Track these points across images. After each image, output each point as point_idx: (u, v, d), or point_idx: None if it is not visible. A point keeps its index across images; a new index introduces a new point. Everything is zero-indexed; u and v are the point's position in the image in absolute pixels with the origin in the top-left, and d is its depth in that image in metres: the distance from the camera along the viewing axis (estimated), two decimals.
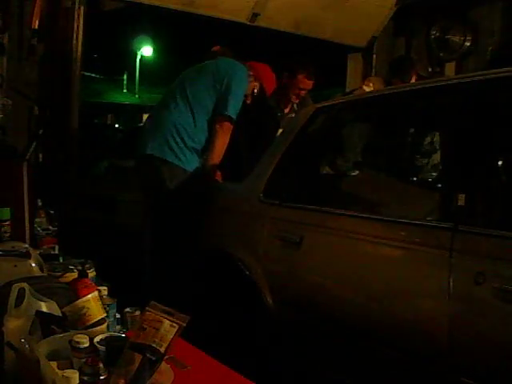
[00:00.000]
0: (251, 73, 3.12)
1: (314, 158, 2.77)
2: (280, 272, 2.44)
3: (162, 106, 3.08)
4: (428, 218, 2.06)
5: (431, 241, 1.86)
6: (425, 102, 2.35)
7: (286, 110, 3.70)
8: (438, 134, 3.38)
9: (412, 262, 1.95)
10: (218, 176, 3.05)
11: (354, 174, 3.24)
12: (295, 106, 3.71)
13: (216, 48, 3.28)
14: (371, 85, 3.85)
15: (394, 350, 1.92)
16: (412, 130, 3.52)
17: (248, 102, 3.15)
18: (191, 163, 2.94)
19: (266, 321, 2.43)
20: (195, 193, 2.94)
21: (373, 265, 2.07)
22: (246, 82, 3.07)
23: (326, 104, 2.74)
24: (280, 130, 3.50)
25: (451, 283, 1.73)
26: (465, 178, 1.94)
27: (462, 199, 1.83)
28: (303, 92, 3.60)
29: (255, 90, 3.18)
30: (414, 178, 3.39)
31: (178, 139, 2.91)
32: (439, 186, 2.54)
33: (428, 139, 3.45)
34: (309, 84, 3.57)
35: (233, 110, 2.95)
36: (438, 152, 3.38)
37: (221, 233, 2.79)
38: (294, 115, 3.61)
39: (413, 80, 3.56)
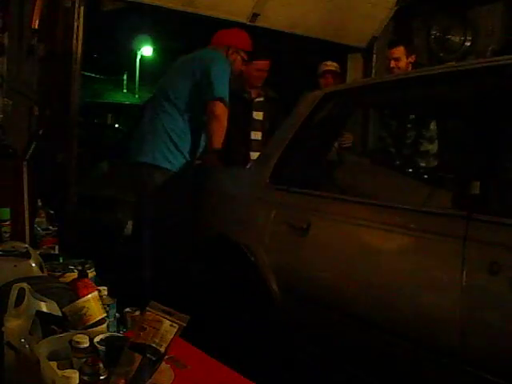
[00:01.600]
0: (225, 52, 3.06)
1: (322, 144, 2.72)
2: (286, 258, 2.40)
3: (150, 110, 3.05)
4: (441, 206, 2.00)
5: (444, 229, 1.82)
6: (440, 88, 2.29)
7: (254, 95, 3.78)
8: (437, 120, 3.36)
9: (424, 250, 1.91)
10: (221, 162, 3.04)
11: (363, 159, 3.22)
12: (261, 91, 3.81)
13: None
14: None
15: (405, 340, 1.88)
16: (424, 117, 3.47)
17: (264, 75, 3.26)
18: (183, 166, 2.92)
19: (271, 308, 2.40)
20: (195, 182, 2.92)
21: (383, 253, 2.04)
22: (227, 65, 2.99)
23: (336, 89, 2.70)
24: (256, 113, 3.70)
25: (464, 273, 1.69)
26: (479, 166, 1.89)
27: (476, 187, 1.79)
28: (264, 73, 3.68)
29: (245, 59, 3.14)
30: (427, 165, 3.35)
31: (170, 144, 2.89)
32: (453, 173, 2.46)
33: (433, 125, 3.43)
34: (266, 64, 3.65)
35: (220, 91, 2.87)
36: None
37: (226, 219, 2.76)
38: (262, 99, 3.78)
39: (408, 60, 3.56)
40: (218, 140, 2.93)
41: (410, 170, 3.15)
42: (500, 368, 1.62)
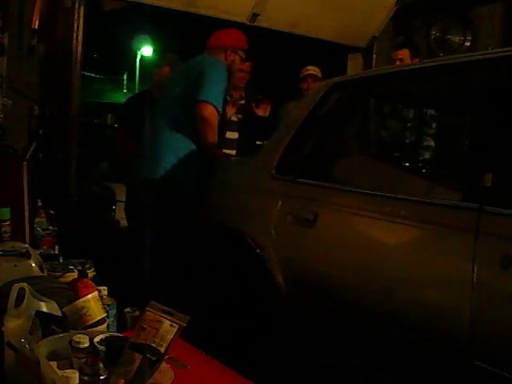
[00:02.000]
0: (223, 54, 3.03)
1: (329, 134, 2.68)
2: (292, 250, 2.37)
3: (153, 125, 2.99)
4: (452, 198, 1.96)
5: (455, 222, 1.79)
6: (452, 78, 2.26)
7: (236, 97, 3.87)
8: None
9: (434, 243, 1.88)
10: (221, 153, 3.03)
11: (372, 150, 3.22)
12: (243, 93, 3.92)
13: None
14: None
15: (413, 334, 1.86)
16: (434, 108, 3.46)
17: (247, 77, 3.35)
18: (187, 177, 2.89)
19: (276, 300, 2.38)
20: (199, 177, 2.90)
21: (391, 246, 2.02)
22: (224, 72, 2.95)
23: (343, 79, 2.65)
24: (234, 116, 3.80)
25: (475, 266, 1.67)
26: (491, 158, 1.86)
27: (488, 179, 1.76)
28: (245, 74, 3.76)
29: (243, 58, 3.11)
30: (439, 157, 3.33)
31: (175, 160, 2.84)
32: (465, 165, 2.42)
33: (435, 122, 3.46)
34: (247, 65, 3.70)
35: (210, 95, 2.82)
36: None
37: (231, 210, 2.73)
38: (243, 101, 3.89)
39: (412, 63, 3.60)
40: (209, 142, 2.90)
41: (424, 162, 3.13)
42: (510, 363, 1.60)
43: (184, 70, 3.10)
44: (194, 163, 2.90)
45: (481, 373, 1.67)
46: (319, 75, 4.15)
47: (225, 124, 3.74)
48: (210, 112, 2.83)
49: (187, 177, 2.87)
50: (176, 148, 2.87)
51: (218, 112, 2.87)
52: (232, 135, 3.81)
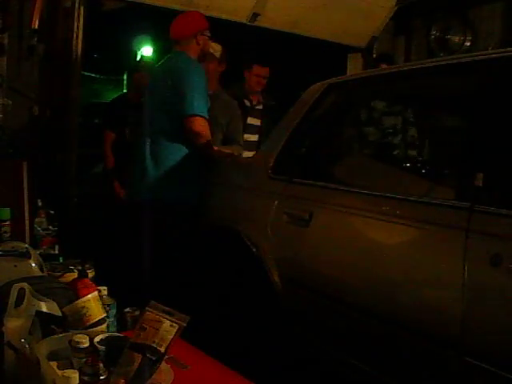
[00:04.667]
0: (195, 41, 2.91)
1: (325, 134, 2.71)
2: (288, 250, 2.39)
3: (143, 141, 2.87)
4: (444, 198, 1.98)
5: (446, 221, 1.82)
6: (442, 80, 2.28)
7: (255, 102, 3.94)
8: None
9: (426, 242, 1.91)
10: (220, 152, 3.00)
11: (366, 150, 3.24)
12: (261, 98, 3.98)
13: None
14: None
15: (407, 331, 1.88)
16: (426, 108, 3.48)
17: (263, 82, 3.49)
18: (188, 193, 2.81)
19: (273, 299, 2.39)
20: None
21: (385, 244, 2.04)
22: (201, 73, 2.83)
23: (339, 80, 2.67)
24: (251, 119, 3.83)
25: (466, 264, 1.70)
26: (483, 157, 1.88)
27: (479, 179, 1.78)
28: (261, 79, 3.85)
29: (209, 36, 3.00)
30: (431, 156, 3.35)
31: (172, 177, 2.77)
32: (456, 164, 2.44)
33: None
34: (265, 71, 3.84)
35: (196, 106, 2.73)
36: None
37: (228, 209, 2.75)
38: (261, 107, 3.94)
39: None
40: (208, 150, 2.85)
41: (417, 162, 3.16)
42: (500, 359, 1.62)
43: (161, 74, 2.94)
44: (193, 176, 2.83)
45: (472, 369, 1.69)
46: (216, 54, 3.41)
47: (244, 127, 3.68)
48: (200, 124, 2.75)
49: (188, 193, 2.80)
50: (171, 164, 2.79)
51: (206, 118, 2.79)
52: (251, 138, 3.79)
